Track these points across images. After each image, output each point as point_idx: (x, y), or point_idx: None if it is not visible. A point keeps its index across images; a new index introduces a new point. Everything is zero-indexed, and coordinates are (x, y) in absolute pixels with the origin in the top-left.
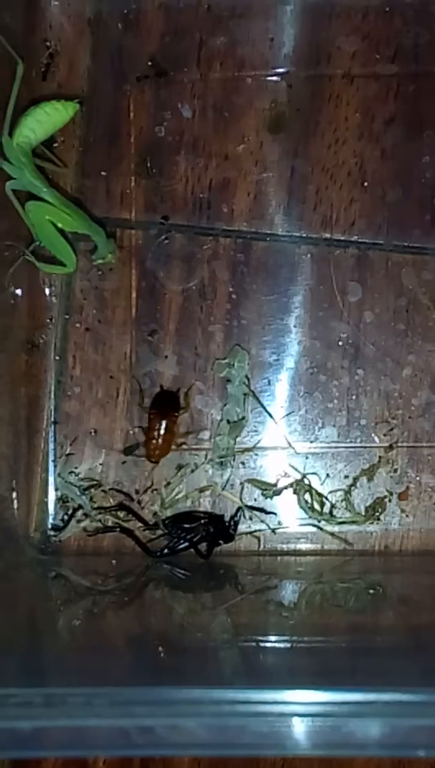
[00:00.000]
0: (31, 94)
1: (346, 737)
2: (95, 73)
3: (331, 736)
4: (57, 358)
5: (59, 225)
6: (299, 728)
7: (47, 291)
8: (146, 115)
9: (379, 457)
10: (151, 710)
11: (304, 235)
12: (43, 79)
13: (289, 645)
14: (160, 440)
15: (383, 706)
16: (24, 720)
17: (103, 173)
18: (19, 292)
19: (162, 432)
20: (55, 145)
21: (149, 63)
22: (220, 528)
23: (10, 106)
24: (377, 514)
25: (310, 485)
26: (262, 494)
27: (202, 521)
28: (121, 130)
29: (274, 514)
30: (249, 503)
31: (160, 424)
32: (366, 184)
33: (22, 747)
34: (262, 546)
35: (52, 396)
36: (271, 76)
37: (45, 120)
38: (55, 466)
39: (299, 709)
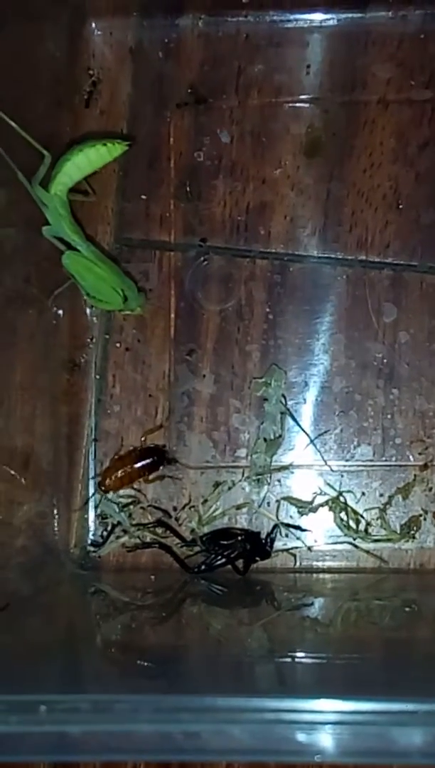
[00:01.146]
0: (74, 120)
1: (388, 745)
2: (136, 100)
3: (373, 744)
4: (97, 377)
5: (93, 276)
6: (342, 735)
7: (88, 311)
8: (186, 141)
9: (414, 475)
10: (195, 716)
11: (339, 257)
12: (86, 106)
13: (325, 660)
14: (115, 478)
15: (425, 716)
16: (72, 725)
17: (143, 197)
18: (60, 312)
19: (124, 472)
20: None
21: (189, 90)
22: (257, 545)
23: (45, 164)
24: (412, 532)
25: (345, 503)
26: (298, 512)
27: (239, 538)
28: (161, 155)
29: (310, 531)
30: (285, 521)
31: (127, 467)
32: (401, 206)
33: (71, 751)
34: (298, 563)
35: (93, 414)
36: (308, 102)
37: (85, 165)
38: (95, 483)
39: (342, 718)
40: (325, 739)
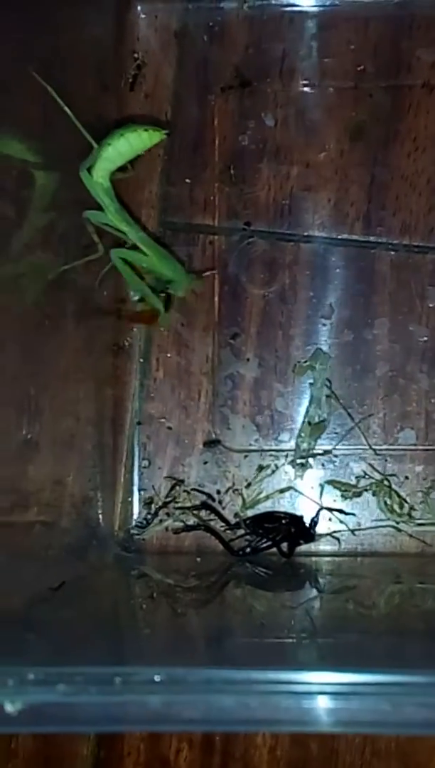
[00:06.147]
0: (119, 103)
1: None
2: (181, 83)
3: (420, 716)
4: (141, 360)
5: (142, 264)
6: (386, 707)
7: (131, 293)
8: (230, 124)
9: None
10: (269, 687)
11: (383, 241)
12: (131, 89)
13: (369, 639)
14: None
15: None
16: (152, 695)
17: (187, 180)
18: (105, 294)
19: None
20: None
21: (233, 74)
22: (301, 528)
23: (92, 154)
24: None
25: (389, 487)
26: (342, 495)
27: (283, 521)
28: (206, 139)
29: (353, 515)
30: (328, 504)
31: None
32: None
33: (151, 722)
34: (341, 546)
35: (136, 397)
36: (352, 86)
37: (126, 150)
38: (138, 466)
39: (390, 690)
40: (381, 710)
